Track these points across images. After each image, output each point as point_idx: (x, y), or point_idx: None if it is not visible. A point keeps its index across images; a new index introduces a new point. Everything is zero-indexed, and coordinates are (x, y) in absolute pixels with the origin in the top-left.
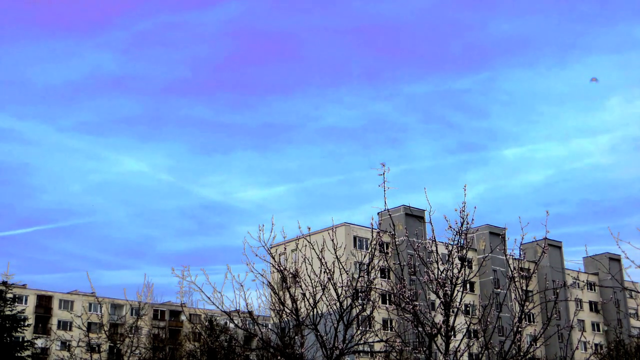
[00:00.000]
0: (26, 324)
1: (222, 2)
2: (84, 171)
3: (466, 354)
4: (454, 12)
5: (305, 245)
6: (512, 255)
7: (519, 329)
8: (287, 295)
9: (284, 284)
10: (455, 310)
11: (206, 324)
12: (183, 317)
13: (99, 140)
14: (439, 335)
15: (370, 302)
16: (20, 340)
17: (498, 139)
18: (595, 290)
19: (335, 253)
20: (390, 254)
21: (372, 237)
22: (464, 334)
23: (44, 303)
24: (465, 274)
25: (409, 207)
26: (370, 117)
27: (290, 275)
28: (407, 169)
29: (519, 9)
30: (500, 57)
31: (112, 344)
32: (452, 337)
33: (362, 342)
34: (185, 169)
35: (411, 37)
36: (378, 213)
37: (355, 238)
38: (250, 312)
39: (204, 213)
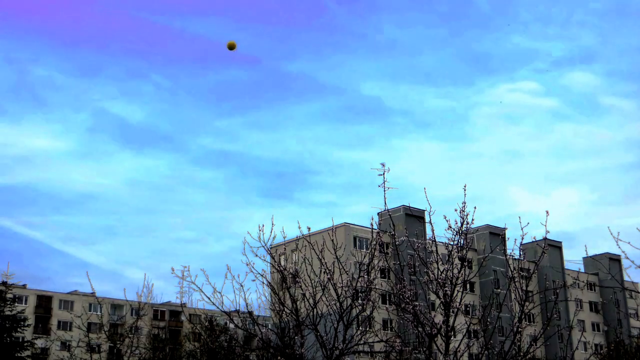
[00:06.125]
0: (26, 324)
1: None
2: None
3: (466, 354)
4: None
5: (305, 246)
6: (512, 256)
7: (519, 329)
8: (287, 295)
9: (284, 284)
10: (455, 310)
11: (206, 324)
12: (183, 317)
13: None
14: (439, 336)
15: (370, 302)
16: (20, 340)
17: None
18: (595, 290)
19: (335, 253)
20: (390, 254)
21: (372, 237)
22: (464, 334)
23: (44, 303)
24: (465, 274)
25: (409, 207)
26: None
27: (290, 276)
28: None
29: None
30: None
31: (112, 344)
32: (452, 337)
33: (362, 342)
34: None
35: None
36: (378, 213)
37: (355, 238)
38: (250, 312)
39: None
